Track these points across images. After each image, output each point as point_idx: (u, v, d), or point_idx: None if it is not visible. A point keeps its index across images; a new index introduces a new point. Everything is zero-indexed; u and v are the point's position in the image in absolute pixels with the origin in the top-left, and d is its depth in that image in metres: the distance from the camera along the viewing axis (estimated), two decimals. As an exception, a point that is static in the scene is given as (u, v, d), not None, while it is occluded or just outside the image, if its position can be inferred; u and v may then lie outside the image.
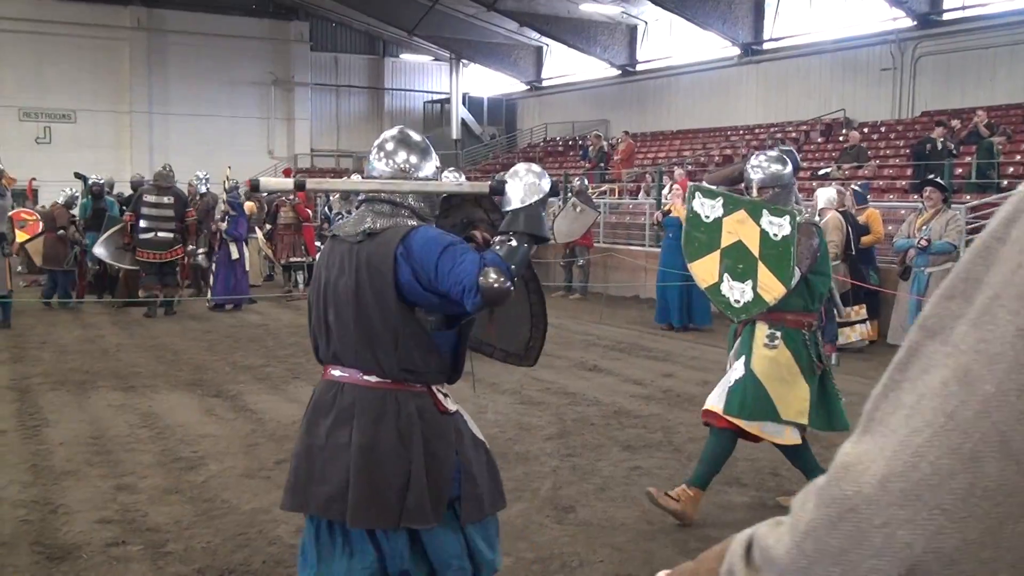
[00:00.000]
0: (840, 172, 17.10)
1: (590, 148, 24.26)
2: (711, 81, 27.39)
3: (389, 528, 3.18)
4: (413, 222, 3.28)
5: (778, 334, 5.01)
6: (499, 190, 3.30)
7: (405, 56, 39.31)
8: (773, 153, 5.41)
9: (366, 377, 3.25)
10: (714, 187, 5.33)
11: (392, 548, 3.22)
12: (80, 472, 5.98)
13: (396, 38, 37.81)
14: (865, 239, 10.73)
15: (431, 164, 3.46)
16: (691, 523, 5.09)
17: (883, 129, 21.16)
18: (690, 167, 21.50)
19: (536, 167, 3.37)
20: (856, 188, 11.53)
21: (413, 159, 3.41)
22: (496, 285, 3.00)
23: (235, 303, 14.09)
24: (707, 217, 5.10)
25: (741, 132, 24.95)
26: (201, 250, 14.05)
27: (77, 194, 14.86)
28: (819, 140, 22.51)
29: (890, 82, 22.32)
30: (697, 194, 5.24)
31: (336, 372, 3.32)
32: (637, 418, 7.48)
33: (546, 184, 3.29)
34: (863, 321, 10.79)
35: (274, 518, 5.12)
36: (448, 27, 32.86)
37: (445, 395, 3.38)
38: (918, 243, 9.10)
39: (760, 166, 5.20)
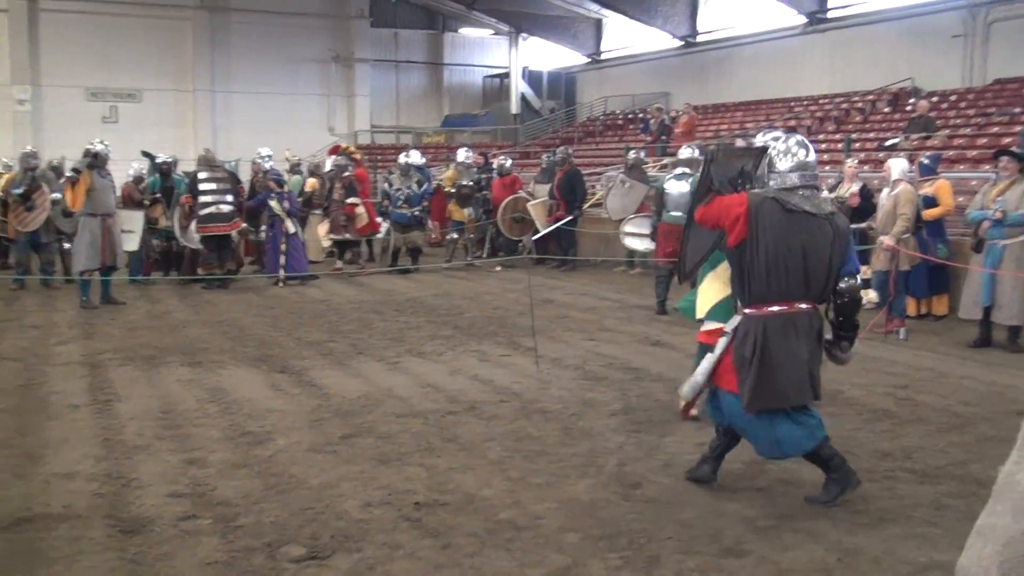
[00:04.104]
0: (908, 142, 16.70)
1: (651, 121, 23.95)
2: (775, 51, 26.88)
3: (818, 399, 5.03)
4: None
5: None
6: None
7: (464, 30, 39.20)
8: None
9: (817, 306, 4.94)
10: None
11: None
12: (151, 447, 6.08)
13: (455, 12, 37.73)
14: (933, 211, 10.46)
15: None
16: None
17: (953, 98, 20.59)
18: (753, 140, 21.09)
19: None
20: (924, 160, 11.24)
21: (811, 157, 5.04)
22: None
23: (300, 279, 14.26)
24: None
25: (805, 103, 24.47)
26: (263, 227, 14.56)
27: (144, 170, 15.08)
28: (886, 110, 21.99)
29: (960, 49, 21.69)
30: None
31: (803, 305, 4.88)
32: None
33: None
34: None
35: (341, 493, 5.16)
36: (507, 0, 32.67)
37: None
38: (992, 214, 8.84)
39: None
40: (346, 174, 15.83)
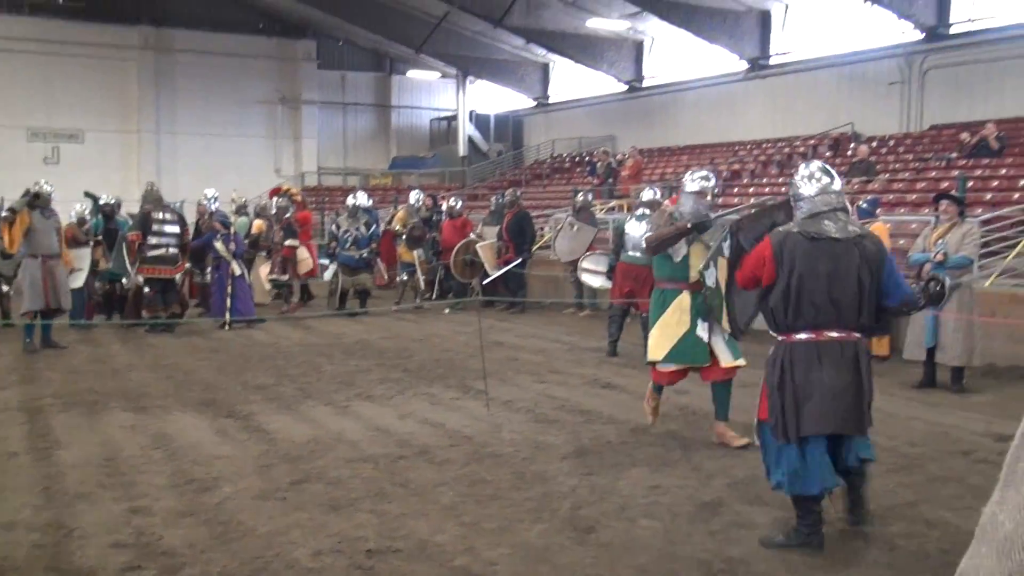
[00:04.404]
0: (850, 186, 17.02)
1: (597, 164, 24.22)
2: (718, 96, 27.35)
3: (862, 434, 4.97)
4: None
5: None
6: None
7: (412, 73, 39.39)
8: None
9: (854, 334, 4.85)
10: None
11: (848, 447, 4.98)
12: (93, 495, 5.91)
13: (403, 55, 37.90)
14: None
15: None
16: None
17: (891, 143, 21.09)
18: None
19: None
20: (862, 204, 11.47)
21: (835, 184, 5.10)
22: None
23: (247, 322, 14.06)
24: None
25: (748, 147, 24.90)
26: (208, 269, 14.42)
27: (87, 211, 14.84)
28: (827, 154, 22.42)
29: (898, 96, 22.26)
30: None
31: (833, 333, 4.82)
32: (654, 436, 7.40)
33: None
34: None
35: (291, 541, 5.06)
36: (455, 44, 32.94)
37: None
38: (934, 257, 9.01)
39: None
40: (287, 216, 15.77)
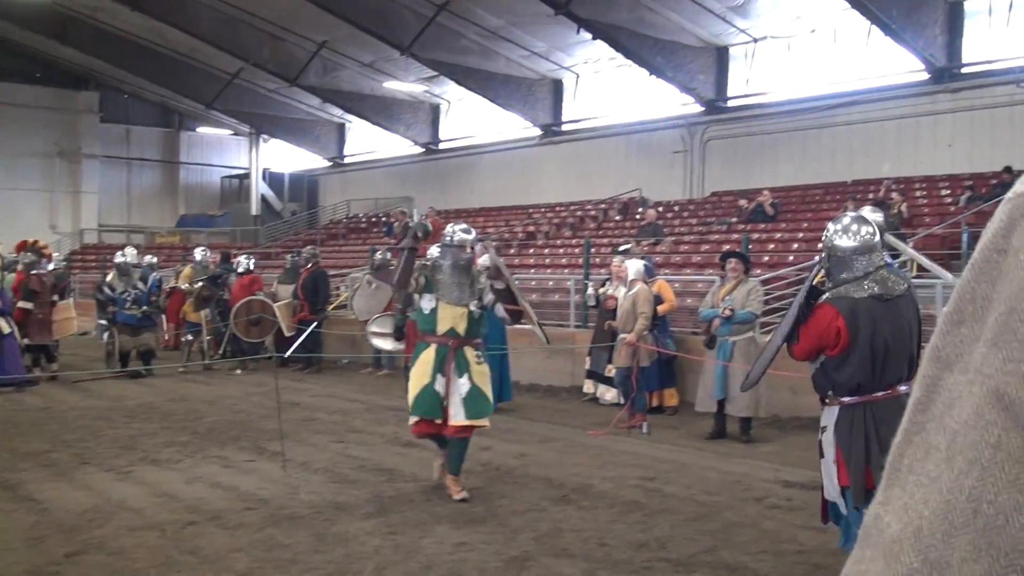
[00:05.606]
0: (639, 248, 17.64)
1: (394, 224, 24.14)
2: (513, 160, 27.98)
3: None
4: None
5: (481, 354, 7.20)
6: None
7: (202, 129, 38.30)
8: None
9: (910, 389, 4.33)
10: None
11: None
12: None
13: (192, 111, 36.82)
14: (664, 306, 11.03)
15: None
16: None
17: (676, 208, 22.11)
18: (495, 244, 21.71)
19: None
20: (647, 264, 11.96)
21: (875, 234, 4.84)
22: None
23: (15, 384, 12.98)
24: None
25: (543, 210, 25.49)
26: None
27: None
28: (617, 218, 23.28)
29: (682, 163, 23.44)
30: None
31: (903, 388, 4.64)
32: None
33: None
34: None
35: (65, 618, 4.59)
36: (248, 101, 32.27)
37: None
38: (722, 313, 9.39)
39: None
40: (34, 272, 14.60)
